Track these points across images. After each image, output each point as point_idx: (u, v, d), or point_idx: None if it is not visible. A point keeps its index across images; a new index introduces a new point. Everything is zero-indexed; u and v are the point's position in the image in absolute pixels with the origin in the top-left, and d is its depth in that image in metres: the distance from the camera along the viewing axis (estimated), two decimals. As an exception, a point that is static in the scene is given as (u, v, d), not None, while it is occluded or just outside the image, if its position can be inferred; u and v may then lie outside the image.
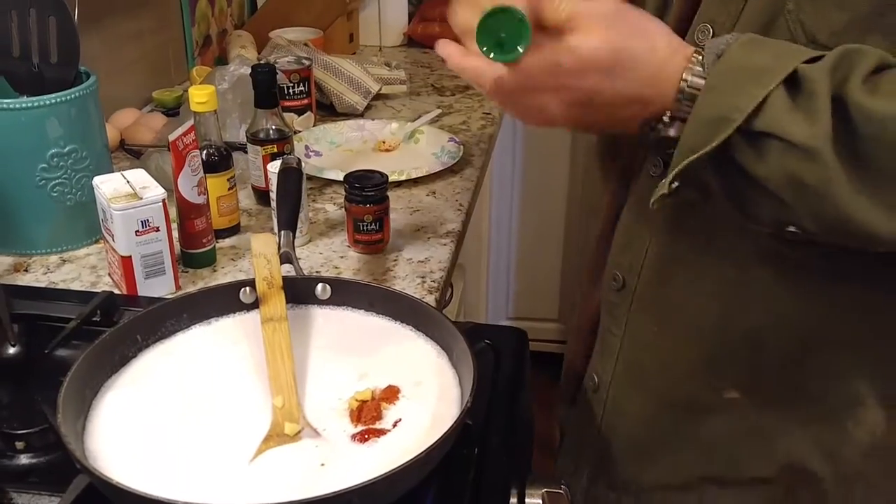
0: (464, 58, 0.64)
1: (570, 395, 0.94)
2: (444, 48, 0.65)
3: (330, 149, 1.38)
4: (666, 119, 0.62)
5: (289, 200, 0.89)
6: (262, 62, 1.17)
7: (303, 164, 1.24)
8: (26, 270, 0.99)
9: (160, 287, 0.93)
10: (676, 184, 0.61)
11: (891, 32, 0.60)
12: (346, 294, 0.79)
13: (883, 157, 0.57)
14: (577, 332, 0.92)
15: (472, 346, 0.69)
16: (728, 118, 0.58)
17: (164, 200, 0.90)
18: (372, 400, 0.67)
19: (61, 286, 0.96)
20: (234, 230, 1.09)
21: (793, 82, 0.58)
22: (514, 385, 0.82)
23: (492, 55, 0.60)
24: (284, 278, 0.77)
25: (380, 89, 1.54)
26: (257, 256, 0.79)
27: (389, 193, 1.09)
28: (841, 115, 0.57)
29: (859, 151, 0.57)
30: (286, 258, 0.81)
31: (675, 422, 0.78)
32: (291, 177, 0.92)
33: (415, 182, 1.25)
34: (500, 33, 0.60)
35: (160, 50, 1.59)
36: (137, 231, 0.90)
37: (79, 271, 1.00)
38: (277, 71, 1.32)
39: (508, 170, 2.23)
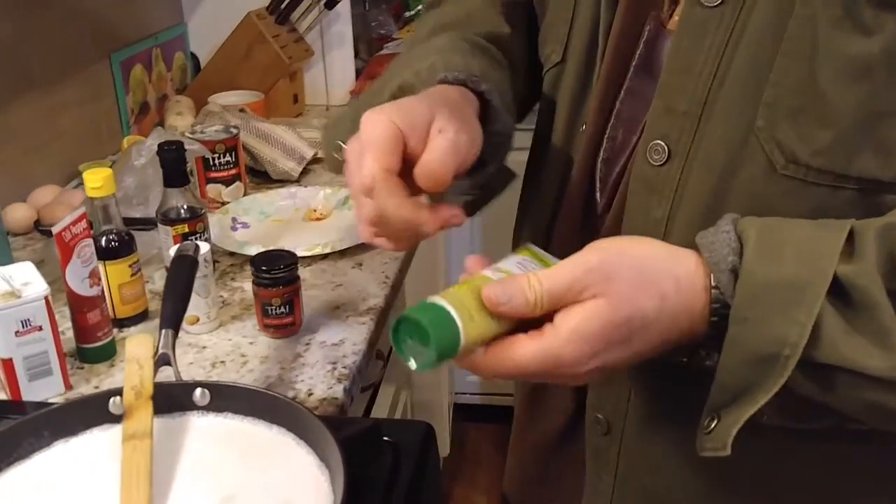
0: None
1: None
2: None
3: (259, 220, 1.33)
4: (703, 353, 0.55)
5: (176, 294, 0.83)
6: (170, 140, 1.13)
7: (225, 239, 1.20)
8: None
9: (47, 389, 0.87)
10: (735, 432, 0.53)
11: (884, 149, 0.53)
12: (226, 399, 0.73)
13: None
14: (516, 454, 0.85)
15: (365, 448, 0.65)
16: (777, 354, 0.50)
17: (46, 297, 0.85)
18: (230, 530, 0.61)
19: (-57, 390, 0.91)
20: (142, 317, 1.04)
21: (838, 292, 0.50)
22: (415, 485, 0.76)
23: (411, 364, 0.52)
24: (159, 385, 0.72)
25: (315, 154, 1.49)
26: (130, 361, 0.73)
27: (313, 267, 1.05)
28: None
29: None
30: (164, 360, 0.75)
31: None
32: (183, 267, 0.87)
33: (342, 254, 1.20)
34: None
35: (91, 120, 1.55)
36: (18, 332, 0.84)
37: (-34, 372, 0.94)
38: (199, 143, 1.28)
39: (467, 236, 2.15)
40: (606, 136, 0.67)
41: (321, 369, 0.94)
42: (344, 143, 0.69)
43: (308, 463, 0.68)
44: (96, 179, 0.96)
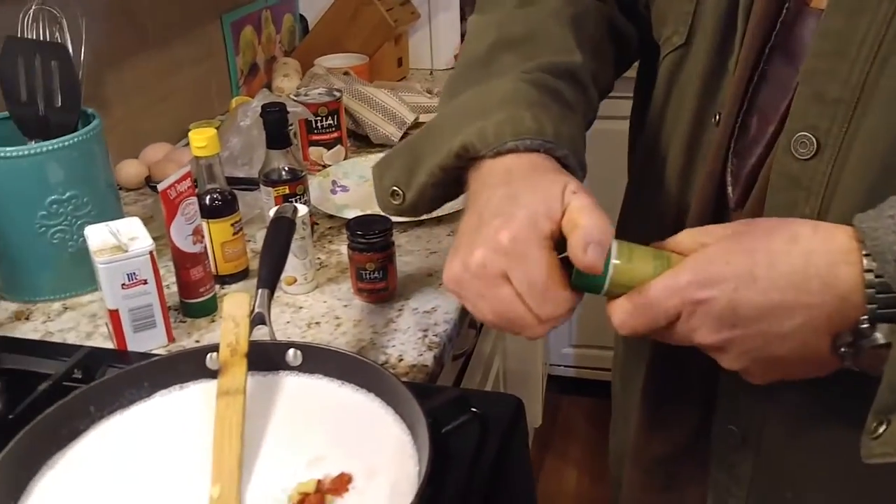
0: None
1: None
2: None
3: (359, 183, 1.34)
4: (863, 326, 0.51)
5: (273, 255, 0.84)
6: (273, 102, 1.14)
7: (325, 202, 1.21)
8: (27, 318, 0.99)
9: (151, 341, 0.90)
10: None
11: None
12: (318, 361, 0.74)
13: None
14: (637, 462, 0.81)
15: (435, 429, 0.63)
16: None
17: (151, 252, 0.88)
18: (315, 493, 0.61)
19: (56, 337, 0.95)
20: (243, 275, 1.06)
21: None
22: (503, 460, 0.75)
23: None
24: (253, 343, 0.73)
25: (416, 119, 1.48)
26: (226, 319, 0.74)
27: (408, 234, 1.04)
28: None
29: None
30: (259, 320, 0.76)
31: None
32: (281, 228, 0.88)
33: (438, 221, 1.19)
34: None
35: (203, 80, 1.59)
36: (124, 284, 0.87)
37: (78, 320, 0.98)
38: (303, 105, 1.29)
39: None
40: (737, 125, 0.63)
41: (412, 336, 0.94)
42: (399, 187, 0.69)
43: (395, 430, 0.68)
44: (201, 139, 0.98)
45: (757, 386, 0.59)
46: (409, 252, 1.11)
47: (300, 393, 0.73)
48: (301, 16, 1.92)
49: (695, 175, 0.67)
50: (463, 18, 1.93)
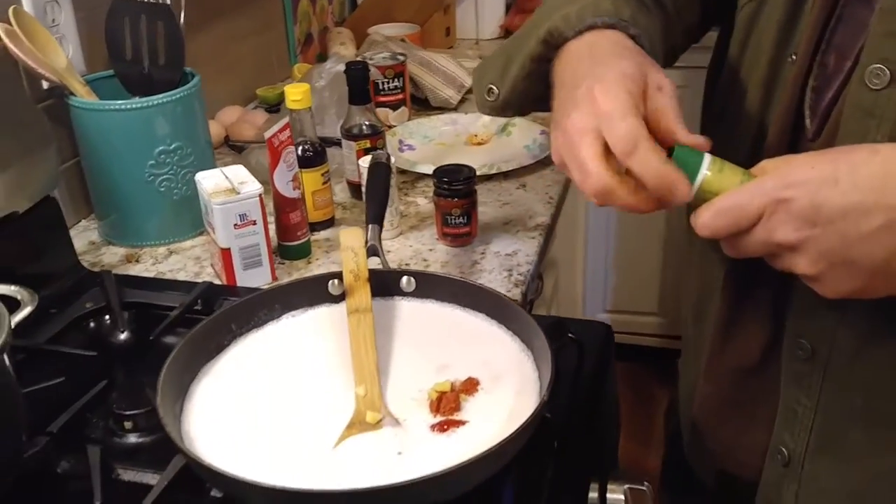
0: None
1: (696, 438, 0.89)
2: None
3: (423, 143, 1.41)
4: None
5: (377, 195, 0.91)
6: (356, 60, 1.20)
7: (396, 158, 1.27)
8: (137, 261, 1.06)
9: (257, 278, 0.97)
10: None
11: None
12: (430, 287, 0.81)
13: None
14: (709, 377, 0.84)
15: (552, 340, 0.70)
16: None
17: (260, 195, 0.95)
18: (451, 391, 0.68)
19: (168, 276, 1.02)
20: (329, 223, 1.13)
21: None
22: (597, 379, 0.82)
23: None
24: (371, 271, 0.80)
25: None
26: (345, 250, 0.81)
27: (479, 187, 1.11)
28: None
29: None
30: (373, 251, 0.83)
31: (891, 491, 0.71)
32: (380, 172, 0.95)
33: (505, 175, 1.26)
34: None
35: (264, 49, 1.65)
36: (236, 224, 0.94)
37: (184, 262, 1.05)
38: (372, 67, 1.35)
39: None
40: (817, 63, 0.68)
41: (498, 275, 1.01)
42: (494, 84, 0.75)
43: (510, 343, 0.75)
44: (297, 93, 1.04)
45: (827, 302, 0.64)
46: (483, 203, 1.17)
47: (417, 315, 0.80)
48: (350, -12, 1.99)
49: (772, 110, 0.72)
50: (507, -10, 2.00)
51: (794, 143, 0.71)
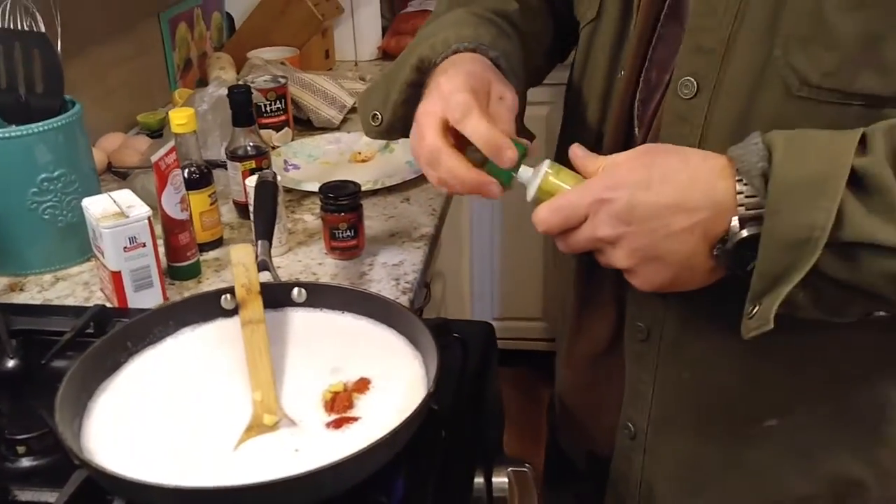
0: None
1: (564, 422, 0.97)
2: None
3: (308, 162, 1.45)
4: (734, 224, 0.62)
5: (265, 212, 0.95)
6: (238, 83, 1.24)
7: (282, 177, 1.31)
8: (21, 289, 1.05)
9: (149, 299, 0.99)
10: (776, 308, 0.60)
11: (882, 68, 0.62)
12: (320, 297, 0.85)
13: None
14: (568, 363, 0.93)
15: (438, 339, 0.75)
16: (809, 238, 0.58)
17: (149, 218, 0.96)
18: (344, 391, 0.73)
19: (56, 303, 1.02)
20: (217, 243, 1.15)
21: (855, 182, 0.58)
22: (481, 374, 0.88)
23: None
24: (262, 284, 0.83)
25: (354, 103, 1.60)
26: (236, 265, 0.85)
27: (365, 202, 1.16)
28: None
29: None
30: (263, 266, 0.87)
31: (719, 456, 0.80)
32: (267, 190, 0.98)
33: (389, 190, 1.31)
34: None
35: (143, 75, 1.65)
36: (125, 247, 0.96)
37: (72, 288, 1.06)
38: (254, 90, 1.38)
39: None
40: (642, 78, 0.77)
41: (386, 284, 1.06)
42: (378, 110, 0.84)
43: (398, 344, 0.80)
44: (182, 117, 1.07)
45: (657, 298, 0.74)
46: (369, 217, 1.22)
47: (309, 323, 0.84)
48: (227, 14, 2.00)
49: (608, 121, 0.81)
50: (381, 14, 2.06)
51: (628, 148, 0.78)
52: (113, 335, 0.77)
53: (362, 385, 0.74)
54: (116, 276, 0.97)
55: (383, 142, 1.47)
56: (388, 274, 1.08)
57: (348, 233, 1.10)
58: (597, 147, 0.81)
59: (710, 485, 0.81)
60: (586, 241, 0.67)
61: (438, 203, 1.28)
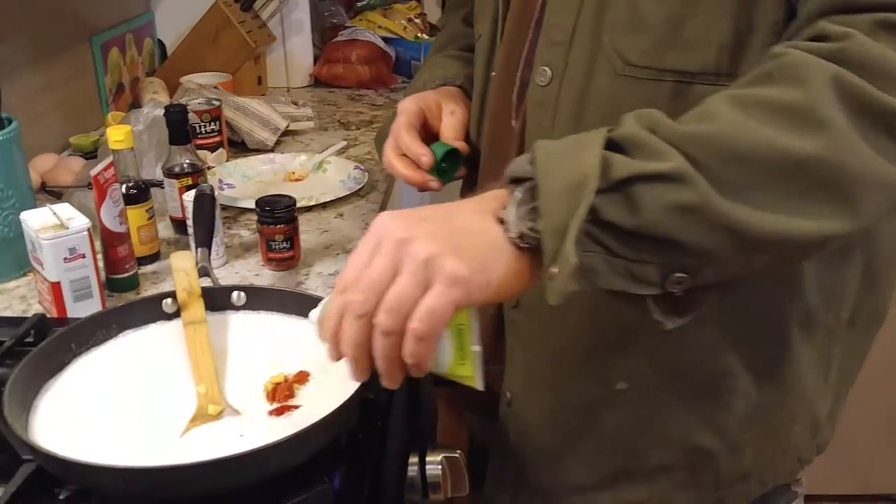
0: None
1: (482, 407, 1.00)
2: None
3: (242, 181, 1.48)
4: (515, 194, 0.62)
5: (203, 221, 0.99)
6: (175, 103, 1.27)
7: (217, 193, 1.34)
8: (-42, 304, 1.06)
9: (88, 310, 1.01)
10: (574, 260, 0.58)
11: (686, 46, 0.71)
12: (259, 299, 0.89)
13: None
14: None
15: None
16: (581, 179, 0.59)
17: (88, 229, 0.99)
18: (285, 382, 0.77)
19: (-7, 316, 1.04)
20: (155, 257, 1.18)
21: (613, 147, 0.61)
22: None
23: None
24: (203, 289, 0.87)
25: (288, 125, 1.65)
26: (177, 271, 0.88)
27: (300, 218, 1.20)
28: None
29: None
30: (203, 272, 0.91)
31: (575, 421, 0.84)
32: (205, 201, 1.02)
33: (324, 206, 1.36)
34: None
35: (75, 98, 1.67)
36: (66, 258, 0.98)
37: (9, 301, 1.07)
38: (189, 111, 1.42)
39: (416, 193, 2.35)
40: (519, 76, 0.86)
41: (323, 293, 1.10)
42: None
43: (334, 341, 0.84)
44: (119, 134, 1.10)
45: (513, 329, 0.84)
46: (305, 232, 1.26)
47: (249, 324, 0.88)
48: (159, 40, 2.03)
49: (486, 115, 0.92)
50: (315, 44, 2.12)
51: (507, 136, 0.87)
52: (57, 337, 0.80)
53: (302, 377, 0.78)
54: (56, 287, 0.99)
55: (317, 162, 1.52)
56: (324, 282, 1.13)
57: (285, 244, 1.14)
58: (478, 138, 0.95)
59: (571, 454, 0.85)
60: (393, 269, 0.63)
61: (370, 218, 1.33)
